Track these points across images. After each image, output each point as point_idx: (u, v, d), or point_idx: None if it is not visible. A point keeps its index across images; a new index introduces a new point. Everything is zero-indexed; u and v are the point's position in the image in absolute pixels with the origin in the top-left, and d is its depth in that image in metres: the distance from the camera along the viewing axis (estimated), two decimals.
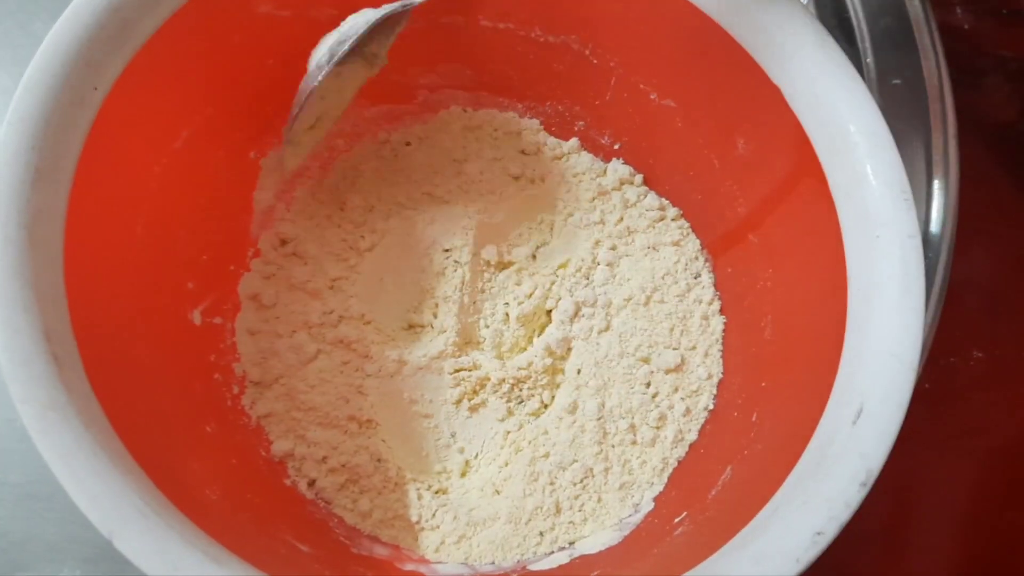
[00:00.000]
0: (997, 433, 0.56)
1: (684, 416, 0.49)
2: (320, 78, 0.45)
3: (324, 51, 0.46)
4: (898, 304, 0.36)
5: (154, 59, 0.42)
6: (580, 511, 0.48)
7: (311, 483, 0.47)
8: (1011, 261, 0.59)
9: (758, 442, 0.43)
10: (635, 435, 0.49)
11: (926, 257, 0.53)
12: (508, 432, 0.50)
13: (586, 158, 0.56)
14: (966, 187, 0.54)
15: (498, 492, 0.48)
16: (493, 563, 0.46)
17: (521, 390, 0.50)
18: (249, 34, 0.48)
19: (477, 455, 0.50)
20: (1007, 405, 0.56)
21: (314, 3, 0.49)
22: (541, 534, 0.47)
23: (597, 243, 0.54)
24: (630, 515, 0.47)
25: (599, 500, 0.48)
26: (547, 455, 0.48)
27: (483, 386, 0.50)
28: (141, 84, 0.42)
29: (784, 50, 0.41)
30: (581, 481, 0.48)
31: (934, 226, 0.54)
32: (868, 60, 0.59)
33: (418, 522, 0.47)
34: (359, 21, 0.45)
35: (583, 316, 0.52)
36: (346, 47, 0.45)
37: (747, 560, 0.33)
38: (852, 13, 0.60)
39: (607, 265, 0.53)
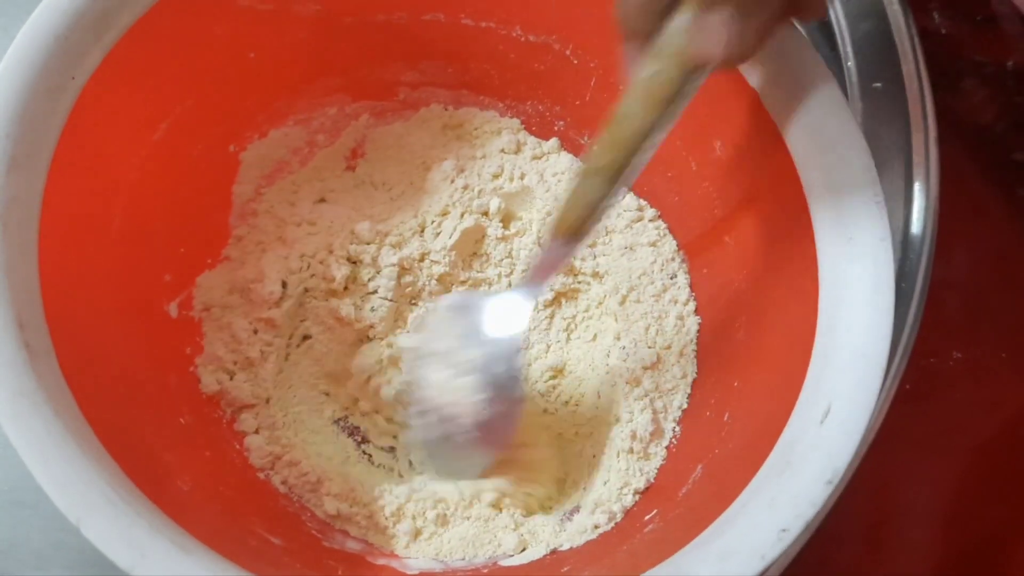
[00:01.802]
0: (976, 432, 0.56)
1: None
2: None
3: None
4: (868, 305, 0.36)
5: (134, 49, 0.42)
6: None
7: (284, 479, 0.47)
8: (989, 262, 0.59)
9: (729, 441, 0.43)
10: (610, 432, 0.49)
11: (907, 259, 0.53)
12: None
13: (566, 158, 0.57)
14: (945, 189, 0.55)
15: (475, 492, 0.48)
16: (464, 559, 0.46)
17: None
18: (230, 27, 0.48)
19: None
20: (986, 404, 0.57)
21: None
22: (512, 531, 0.47)
23: None
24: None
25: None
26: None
27: None
28: (120, 74, 0.42)
29: (761, 54, 0.42)
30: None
31: (915, 228, 0.54)
32: (849, 64, 0.59)
33: (389, 518, 0.47)
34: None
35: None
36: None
37: (712, 556, 0.33)
38: (833, 18, 0.60)
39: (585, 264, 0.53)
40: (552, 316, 0.53)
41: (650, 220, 0.54)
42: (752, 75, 0.42)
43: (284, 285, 0.50)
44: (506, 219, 0.55)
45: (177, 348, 0.48)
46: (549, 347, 0.53)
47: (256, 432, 0.48)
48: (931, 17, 0.60)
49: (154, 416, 0.43)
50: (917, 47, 0.57)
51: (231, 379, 0.48)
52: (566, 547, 0.45)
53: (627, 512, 0.46)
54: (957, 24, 0.62)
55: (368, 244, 0.52)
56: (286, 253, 0.51)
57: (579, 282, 0.53)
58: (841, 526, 0.47)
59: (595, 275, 0.53)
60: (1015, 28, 0.60)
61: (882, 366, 0.35)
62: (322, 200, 0.54)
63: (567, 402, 0.50)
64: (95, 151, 0.42)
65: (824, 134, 0.40)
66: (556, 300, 0.53)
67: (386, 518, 0.46)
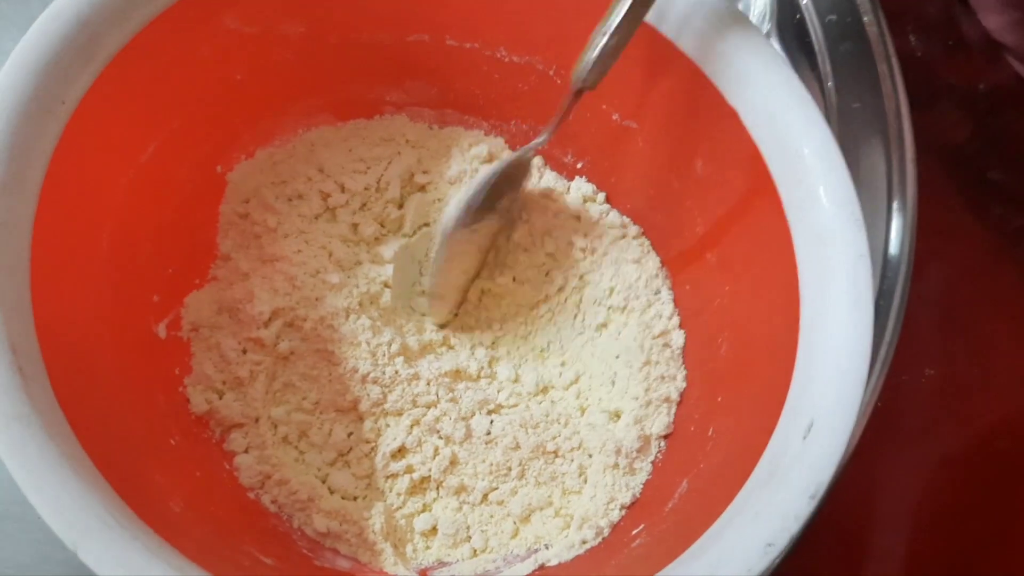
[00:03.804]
0: (949, 446, 0.57)
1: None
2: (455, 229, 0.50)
3: (462, 204, 0.50)
4: (847, 322, 0.37)
5: (122, 73, 0.42)
6: (543, 524, 0.48)
7: (274, 498, 0.48)
8: (963, 280, 0.61)
9: (714, 456, 0.44)
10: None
11: (886, 276, 0.54)
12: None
13: (550, 176, 0.57)
14: (920, 207, 0.56)
15: (459, 507, 0.49)
16: (453, 575, 0.47)
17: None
18: (217, 49, 0.48)
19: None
20: (958, 419, 0.58)
21: (282, 19, 0.49)
22: (502, 546, 0.47)
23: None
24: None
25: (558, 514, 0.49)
26: (508, 470, 0.49)
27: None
28: (109, 97, 0.42)
29: (741, 74, 0.42)
30: (542, 494, 0.49)
31: (893, 246, 0.55)
32: (829, 84, 0.60)
33: (376, 534, 0.47)
34: (485, 174, 0.50)
35: None
36: (473, 193, 0.50)
37: (700, 569, 0.34)
38: (814, 38, 0.61)
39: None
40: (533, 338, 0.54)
41: (634, 237, 0.55)
42: (733, 96, 0.43)
43: None
44: None
45: (166, 369, 0.48)
46: (530, 367, 0.53)
47: (246, 451, 0.48)
48: (907, 39, 0.61)
49: (144, 437, 0.43)
50: (895, 68, 0.58)
51: (220, 399, 0.49)
52: (554, 562, 0.46)
53: (614, 527, 0.47)
54: (931, 46, 0.63)
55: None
56: (273, 273, 0.52)
57: (562, 301, 0.54)
58: (818, 538, 0.47)
59: (576, 290, 0.54)
60: (985, 52, 0.62)
61: (862, 381, 0.36)
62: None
63: (554, 420, 0.51)
64: (84, 174, 0.42)
65: (803, 155, 0.40)
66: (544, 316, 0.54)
67: (375, 534, 0.47)
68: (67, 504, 0.32)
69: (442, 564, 0.47)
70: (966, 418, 0.57)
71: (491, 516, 0.48)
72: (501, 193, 0.51)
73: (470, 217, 0.50)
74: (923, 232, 0.55)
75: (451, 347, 0.53)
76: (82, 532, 0.32)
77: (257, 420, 0.49)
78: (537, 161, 0.57)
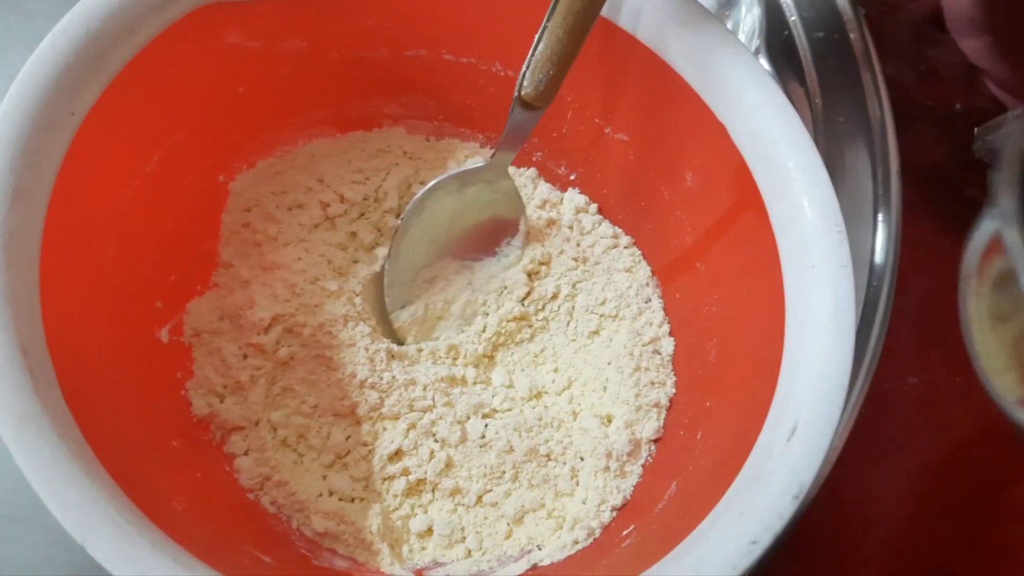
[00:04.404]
0: (929, 454, 0.58)
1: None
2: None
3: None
4: (829, 330, 0.38)
5: (129, 86, 0.44)
6: (536, 526, 0.50)
7: (273, 499, 0.49)
8: (943, 293, 0.62)
9: (702, 459, 0.45)
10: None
11: (871, 286, 0.56)
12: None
13: (544, 188, 0.59)
14: (901, 222, 0.57)
15: (454, 509, 0.50)
16: (448, 575, 0.48)
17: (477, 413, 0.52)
18: (220, 63, 0.49)
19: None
20: (938, 427, 0.59)
21: (283, 36, 0.50)
22: (496, 547, 0.49)
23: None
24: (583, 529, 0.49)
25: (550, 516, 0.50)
26: (502, 473, 0.50)
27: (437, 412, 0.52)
28: (116, 110, 0.43)
29: (729, 91, 0.44)
30: (535, 496, 0.50)
31: (878, 256, 0.57)
32: (817, 100, 0.62)
33: (374, 535, 0.48)
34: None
35: None
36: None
37: (687, 567, 0.35)
38: (801, 55, 0.63)
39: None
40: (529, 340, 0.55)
41: (625, 247, 0.56)
42: (722, 112, 0.45)
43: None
44: None
45: (168, 373, 0.49)
46: (522, 372, 0.54)
47: (246, 454, 0.49)
48: (887, 63, 0.62)
49: (147, 439, 0.44)
50: (880, 84, 0.59)
51: (221, 402, 0.50)
52: (546, 562, 0.47)
53: (605, 528, 0.48)
54: (908, 70, 0.65)
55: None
56: (273, 280, 0.53)
57: (556, 309, 0.55)
58: (803, 543, 0.48)
59: (569, 298, 0.55)
60: (957, 75, 0.63)
61: (844, 386, 0.37)
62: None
63: (547, 424, 0.52)
64: (92, 183, 0.43)
65: (789, 169, 0.42)
66: (539, 325, 0.55)
67: (372, 535, 0.48)
68: (77, 501, 0.33)
69: (437, 564, 0.49)
70: (946, 427, 0.59)
71: (485, 517, 0.50)
72: (497, 235, 0.55)
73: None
74: (905, 247, 0.56)
75: (452, 355, 0.54)
76: (91, 529, 0.33)
77: (257, 423, 0.50)
78: (531, 173, 0.59)
